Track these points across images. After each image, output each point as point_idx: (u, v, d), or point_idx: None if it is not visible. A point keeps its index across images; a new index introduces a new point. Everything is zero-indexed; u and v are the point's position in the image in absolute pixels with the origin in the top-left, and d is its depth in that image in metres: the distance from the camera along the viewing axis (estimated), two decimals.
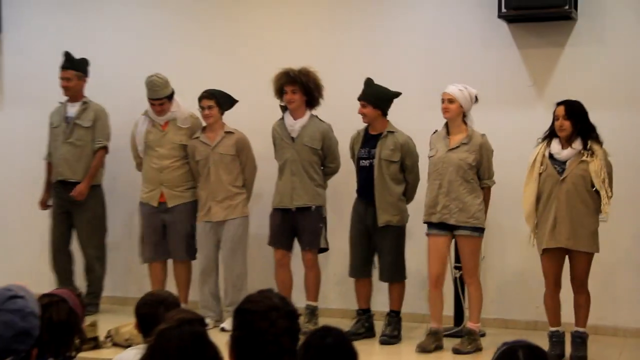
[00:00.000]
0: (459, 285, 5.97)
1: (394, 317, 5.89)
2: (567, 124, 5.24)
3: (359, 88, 5.88)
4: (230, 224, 6.22)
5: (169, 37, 7.06)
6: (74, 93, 6.60)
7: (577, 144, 5.23)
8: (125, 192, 6.91)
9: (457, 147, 5.54)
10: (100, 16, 7.22)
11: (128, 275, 7.16)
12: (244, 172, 6.29)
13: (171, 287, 6.36)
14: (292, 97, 6.03)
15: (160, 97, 6.25)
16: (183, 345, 2.50)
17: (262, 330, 2.39)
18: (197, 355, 2.50)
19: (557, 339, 5.40)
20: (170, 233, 6.40)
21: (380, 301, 6.07)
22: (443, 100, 5.57)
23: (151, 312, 3.41)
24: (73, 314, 3.27)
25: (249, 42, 6.94)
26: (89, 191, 6.58)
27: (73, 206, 6.60)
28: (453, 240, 5.66)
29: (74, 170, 6.55)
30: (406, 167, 5.86)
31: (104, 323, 5.60)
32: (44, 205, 6.76)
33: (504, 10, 6.12)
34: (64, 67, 6.58)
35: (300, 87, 6.02)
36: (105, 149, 6.65)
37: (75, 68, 6.58)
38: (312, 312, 6.13)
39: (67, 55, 6.59)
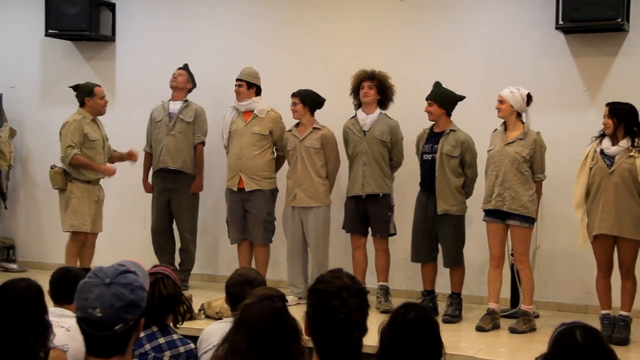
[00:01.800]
0: (515, 270, 6.15)
1: (455, 298, 6.18)
2: (609, 122, 5.52)
3: (426, 90, 6.22)
4: (314, 211, 6.59)
5: (258, 42, 7.46)
6: (180, 90, 7.05)
7: (625, 142, 5.50)
8: (214, 179, 7.25)
9: (513, 142, 5.81)
10: (198, 27, 7.67)
11: (217, 254, 7.57)
12: (328, 165, 6.64)
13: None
14: (368, 92, 6.42)
15: (241, 78, 6.74)
16: (264, 319, 2.62)
17: (334, 308, 2.45)
18: (277, 328, 2.61)
19: (608, 321, 5.56)
20: (249, 217, 6.78)
21: (443, 284, 6.38)
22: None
23: (239, 290, 3.58)
24: (177, 288, 3.66)
25: (330, 47, 7.27)
26: (186, 181, 7.06)
27: (172, 193, 7.07)
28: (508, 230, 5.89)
29: (175, 159, 6.97)
30: (465, 163, 6.15)
31: (196, 298, 5.74)
32: (149, 188, 7.20)
33: (561, 22, 6.39)
34: (181, 68, 7.11)
35: (376, 84, 6.44)
36: (203, 143, 7.11)
37: (187, 70, 7.13)
38: (386, 291, 6.47)
39: (186, 65, 7.15)
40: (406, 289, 6.91)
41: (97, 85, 6.89)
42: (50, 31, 7.76)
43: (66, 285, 3.74)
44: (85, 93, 6.74)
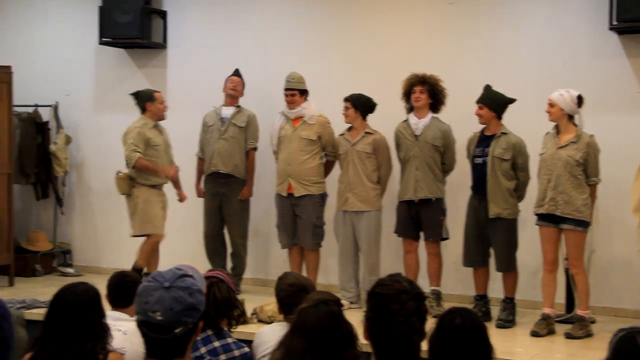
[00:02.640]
0: (570, 274, 6.03)
1: (509, 303, 6.10)
2: None
3: (477, 93, 6.18)
4: (366, 216, 6.57)
5: (309, 47, 7.49)
6: (235, 97, 7.12)
7: None
8: (265, 184, 7.26)
9: (566, 145, 5.73)
10: (249, 33, 7.72)
11: (268, 259, 7.60)
12: (380, 170, 6.64)
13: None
14: (420, 97, 6.40)
15: (292, 87, 6.77)
16: (320, 323, 2.66)
17: (393, 311, 2.46)
18: (333, 332, 2.64)
19: None
20: (298, 222, 6.80)
21: (496, 288, 6.29)
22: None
23: (293, 300, 3.55)
24: (232, 292, 3.71)
25: (380, 51, 7.24)
26: (237, 185, 7.10)
27: (223, 198, 7.10)
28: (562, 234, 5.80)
29: (226, 163, 7.02)
30: (517, 166, 6.07)
31: (247, 302, 5.70)
32: (201, 193, 7.23)
33: (615, 22, 6.28)
34: (236, 74, 7.17)
35: (427, 89, 6.42)
36: (255, 149, 7.16)
37: (241, 78, 7.19)
38: (438, 295, 6.41)
39: (237, 70, 7.21)
40: (458, 294, 6.86)
41: (157, 90, 7.04)
42: (103, 39, 7.89)
43: (123, 289, 3.83)
44: (145, 99, 6.89)
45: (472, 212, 6.24)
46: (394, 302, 2.47)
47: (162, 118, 6.96)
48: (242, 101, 7.24)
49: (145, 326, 2.23)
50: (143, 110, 6.91)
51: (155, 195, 6.86)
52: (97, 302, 3.06)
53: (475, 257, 6.24)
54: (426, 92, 6.43)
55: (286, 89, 6.83)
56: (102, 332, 3.01)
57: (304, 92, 6.84)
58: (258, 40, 7.71)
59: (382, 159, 6.66)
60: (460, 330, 2.53)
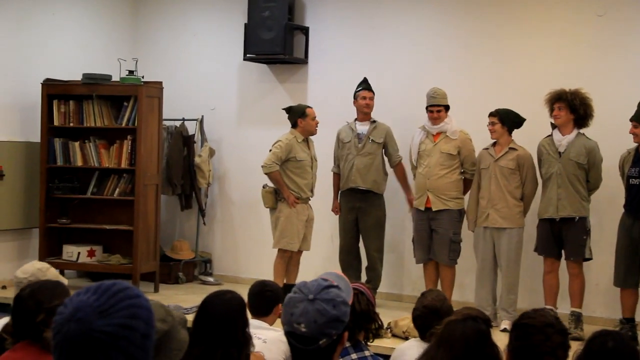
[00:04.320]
0: None
1: None
2: None
3: (627, 110, 6.00)
4: (507, 233, 6.43)
5: (448, 62, 7.44)
6: (370, 111, 7.15)
7: None
8: (401, 197, 7.28)
9: None
10: (387, 48, 7.74)
11: (403, 274, 7.57)
12: (524, 187, 6.49)
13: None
14: (558, 114, 6.27)
15: (439, 104, 6.74)
16: (466, 338, 2.61)
17: (538, 342, 2.55)
18: (479, 350, 2.58)
19: None
20: (435, 237, 6.74)
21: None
22: None
23: (426, 322, 3.60)
24: (371, 305, 3.63)
25: (522, 64, 7.14)
26: (375, 199, 7.10)
27: (360, 212, 7.13)
28: None
29: (365, 179, 7.05)
30: None
31: (382, 317, 5.60)
32: (337, 210, 7.30)
33: None
34: (367, 89, 7.18)
35: (566, 105, 6.24)
36: (401, 159, 7.16)
37: (371, 89, 7.18)
38: (578, 318, 6.22)
39: (367, 80, 7.22)
40: (600, 316, 6.65)
41: (309, 106, 7.12)
42: (248, 55, 8.05)
43: (263, 298, 3.94)
44: (298, 114, 7.00)
45: (625, 232, 6.07)
46: (540, 333, 2.50)
47: (312, 133, 7.07)
48: (379, 115, 7.24)
49: (291, 336, 2.28)
50: (294, 125, 7.03)
51: (297, 211, 6.96)
52: (242, 311, 3.13)
53: (627, 277, 6.06)
54: (565, 108, 6.27)
55: (431, 105, 6.79)
56: (246, 340, 3.07)
57: (447, 108, 6.82)
58: (397, 55, 7.71)
59: (527, 176, 6.52)
60: (613, 354, 2.44)
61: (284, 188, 6.92)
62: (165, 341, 2.34)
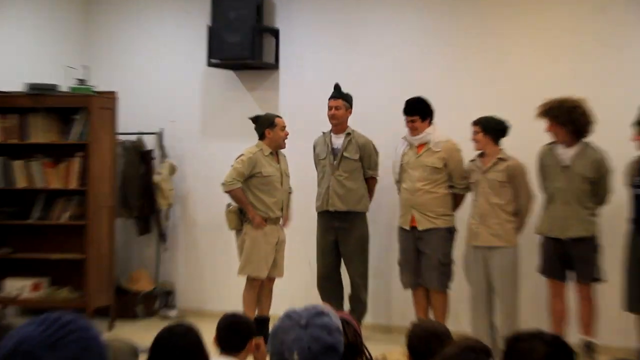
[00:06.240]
0: None
1: None
2: None
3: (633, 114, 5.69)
4: (500, 252, 6.13)
5: (432, 68, 7.20)
6: (340, 123, 6.76)
7: None
8: (384, 217, 7.03)
9: None
10: (366, 51, 7.48)
11: (390, 302, 7.24)
12: (518, 200, 6.17)
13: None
14: (550, 130, 6.01)
15: (410, 114, 6.40)
16: None
17: None
18: None
19: None
20: (422, 259, 6.42)
21: None
22: None
23: (423, 344, 3.40)
24: (358, 335, 3.29)
25: (511, 74, 6.95)
26: (356, 219, 6.72)
27: (340, 233, 6.75)
28: None
29: (344, 201, 6.68)
30: None
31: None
32: None
33: None
34: (334, 97, 6.81)
35: (553, 120, 5.93)
36: (374, 178, 6.81)
37: (343, 98, 6.79)
38: (589, 346, 5.90)
39: (337, 87, 6.84)
40: (616, 345, 6.27)
41: (278, 116, 6.81)
42: (212, 61, 7.79)
43: (235, 332, 3.71)
44: (266, 125, 6.65)
45: (633, 250, 5.75)
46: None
47: (280, 146, 6.68)
48: (358, 124, 6.87)
49: None
50: (261, 136, 6.66)
51: (265, 233, 6.56)
52: (200, 345, 3.03)
53: (637, 300, 5.73)
54: (554, 125, 5.96)
55: (405, 114, 6.48)
56: None
57: (426, 117, 6.44)
58: (376, 59, 7.45)
59: (519, 188, 6.15)
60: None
61: (248, 208, 6.52)
62: None
